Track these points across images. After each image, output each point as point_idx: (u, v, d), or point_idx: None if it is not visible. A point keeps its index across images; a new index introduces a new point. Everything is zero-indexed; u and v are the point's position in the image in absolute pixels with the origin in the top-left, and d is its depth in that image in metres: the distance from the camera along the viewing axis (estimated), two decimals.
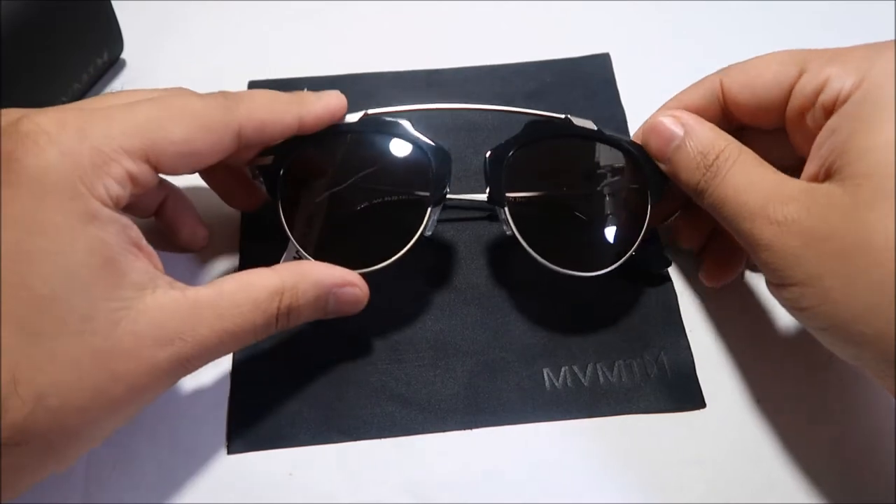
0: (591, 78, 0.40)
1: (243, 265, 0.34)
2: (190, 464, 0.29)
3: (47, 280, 0.22)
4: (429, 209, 0.30)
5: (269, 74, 0.40)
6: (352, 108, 0.31)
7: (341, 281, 0.28)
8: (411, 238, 0.30)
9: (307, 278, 0.28)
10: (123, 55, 0.41)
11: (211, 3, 0.44)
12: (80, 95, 0.39)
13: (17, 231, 0.22)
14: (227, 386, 0.31)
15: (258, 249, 0.34)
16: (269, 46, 0.42)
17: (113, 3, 0.39)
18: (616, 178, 0.32)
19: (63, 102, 0.37)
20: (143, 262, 0.25)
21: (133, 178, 0.25)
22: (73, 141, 0.23)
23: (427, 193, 0.30)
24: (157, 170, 0.26)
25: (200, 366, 0.26)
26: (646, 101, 0.39)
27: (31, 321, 0.22)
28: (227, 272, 0.34)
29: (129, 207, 0.27)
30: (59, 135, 0.23)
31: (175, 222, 0.33)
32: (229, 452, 0.30)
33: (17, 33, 0.33)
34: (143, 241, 0.26)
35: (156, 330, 0.24)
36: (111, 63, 0.41)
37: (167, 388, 0.25)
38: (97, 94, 0.40)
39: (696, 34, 0.43)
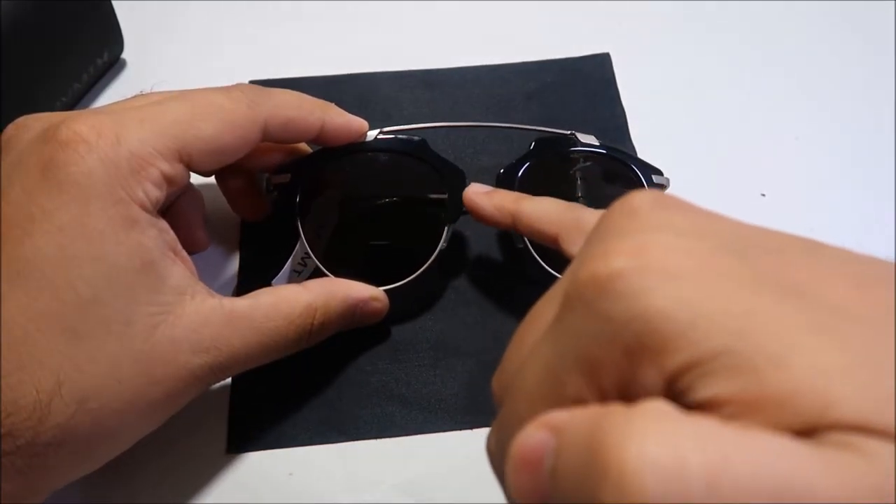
0: (591, 78, 0.40)
1: (243, 271, 0.34)
2: (190, 464, 0.29)
3: (91, 283, 0.23)
4: (445, 227, 0.31)
5: (268, 74, 0.40)
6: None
7: (368, 297, 0.30)
8: (429, 256, 0.31)
9: (337, 295, 0.29)
10: (123, 55, 0.41)
11: (211, 3, 0.44)
12: (80, 95, 0.39)
13: (63, 236, 0.23)
14: (227, 386, 0.31)
15: (257, 255, 0.34)
16: (268, 46, 0.42)
17: (113, 3, 0.39)
18: (618, 189, 0.32)
19: (63, 102, 0.38)
20: (180, 268, 0.25)
21: (169, 179, 0.25)
22: (111, 148, 0.24)
23: (443, 211, 0.31)
24: (189, 167, 0.26)
25: (232, 375, 0.26)
26: (646, 101, 0.39)
27: (75, 323, 0.22)
28: (226, 277, 0.34)
29: None
30: (97, 142, 0.24)
31: (181, 222, 0.33)
32: (229, 452, 0.30)
33: (17, 33, 0.33)
34: (179, 246, 0.26)
35: (192, 336, 0.24)
36: (111, 63, 0.41)
37: (199, 393, 0.26)
38: (97, 94, 0.40)
39: (695, 34, 0.43)
